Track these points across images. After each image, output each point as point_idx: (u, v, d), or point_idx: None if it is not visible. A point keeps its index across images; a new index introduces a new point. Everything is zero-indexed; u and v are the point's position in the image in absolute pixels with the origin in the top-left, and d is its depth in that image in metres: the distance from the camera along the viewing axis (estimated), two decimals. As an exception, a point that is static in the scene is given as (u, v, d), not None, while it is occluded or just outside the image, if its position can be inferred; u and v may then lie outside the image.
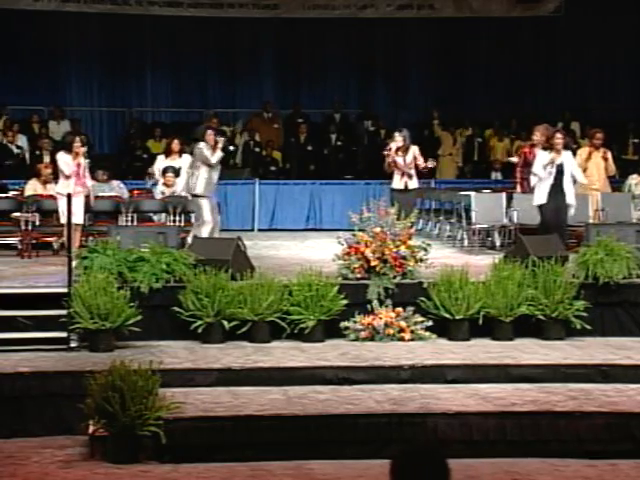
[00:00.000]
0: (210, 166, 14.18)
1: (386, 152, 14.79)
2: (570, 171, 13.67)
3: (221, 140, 14.41)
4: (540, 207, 13.68)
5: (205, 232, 13.99)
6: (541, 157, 13.69)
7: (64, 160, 14.18)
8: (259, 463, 8.49)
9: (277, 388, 9.68)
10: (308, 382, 9.83)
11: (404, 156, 14.65)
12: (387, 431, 8.79)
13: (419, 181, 15.29)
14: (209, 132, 14.53)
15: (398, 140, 14.79)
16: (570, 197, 13.66)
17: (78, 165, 14.11)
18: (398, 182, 14.67)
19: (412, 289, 11.60)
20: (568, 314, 11.33)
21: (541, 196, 13.62)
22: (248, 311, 11.10)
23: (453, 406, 9.11)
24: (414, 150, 14.82)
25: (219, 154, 14.27)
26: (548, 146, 13.72)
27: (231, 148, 14.98)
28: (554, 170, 13.50)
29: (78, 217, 13.98)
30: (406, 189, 14.59)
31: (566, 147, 13.74)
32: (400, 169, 14.62)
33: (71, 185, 14.00)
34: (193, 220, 14.83)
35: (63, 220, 13.39)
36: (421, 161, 14.82)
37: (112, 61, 23.12)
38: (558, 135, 13.83)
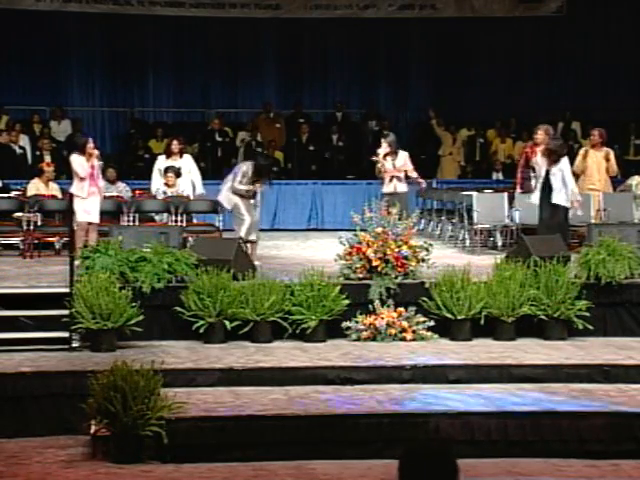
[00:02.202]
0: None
1: (374, 158, 15.10)
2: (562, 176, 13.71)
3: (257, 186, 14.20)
4: (564, 208, 13.79)
5: (243, 230, 13.85)
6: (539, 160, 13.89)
7: (79, 162, 14.02)
8: (261, 463, 8.49)
9: (279, 388, 9.68)
10: (310, 382, 9.83)
11: (393, 161, 14.92)
12: (389, 431, 8.79)
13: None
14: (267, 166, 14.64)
15: (384, 146, 15.04)
16: (557, 197, 13.62)
17: (92, 167, 14.12)
18: (387, 186, 14.88)
19: (414, 289, 11.60)
20: (570, 314, 11.33)
21: (536, 195, 13.78)
22: (250, 311, 11.10)
23: (455, 406, 9.11)
24: (404, 155, 15.05)
25: (247, 188, 14.00)
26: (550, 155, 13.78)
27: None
28: (543, 176, 13.69)
29: (94, 216, 14.02)
30: (395, 192, 14.73)
31: (556, 161, 13.75)
32: (389, 173, 14.85)
33: (85, 187, 13.97)
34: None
35: (79, 219, 13.45)
36: (412, 169, 15.02)
37: (114, 61, 23.15)
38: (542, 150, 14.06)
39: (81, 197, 13.68)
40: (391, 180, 14.87)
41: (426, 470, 3.93)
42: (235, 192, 13.96)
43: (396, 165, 14.95)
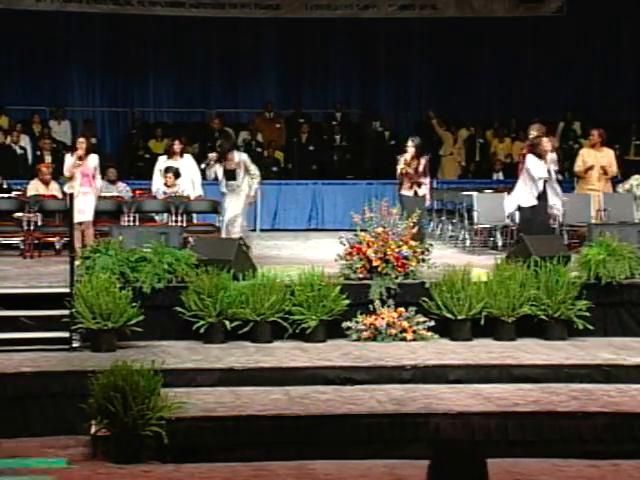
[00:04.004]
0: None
1: (402, 165, 14.43)
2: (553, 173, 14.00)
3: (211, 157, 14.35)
4: (523, 208, 13.93)
5: (225, 231, 13.96)
6: (536, 162, 13.90)
7: (66, 161, 14.43)
8: (261, 463, 8.49)
9: (279, 388, 9.68)
10: (310, 382, 9.83)
11: (416, 166, 14.40)
12: (389, 431, 8.79)
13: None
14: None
15: (411, 150, 14.48)
16: (552, 198, 13.97)
17: (82, 164, 14.22)
18: (408, 190, 14.46)
19: (414, 289, 11.60)
20: (570, 314, 11.33)
21: (530, 199, 13.89)
22: (250, 311, 11.10)
23: (455, 406, 9.12)
24: (424, 160, 14.57)
25: (209, 174, 14.39)
26: (537, 152, 13.95)
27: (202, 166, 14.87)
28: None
29: (87, 215, 14.12)
30: (415, 195, 14.43)
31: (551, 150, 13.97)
32: (410, 178, 14.42)
33: (76, 186, 14.12)
34: (219, 223, 15.00)
35: (76, 219, 13.54)
36: (426, 176, 14.61)
37: (114, 61, 23.13)
38: (545, 139, 14.09)
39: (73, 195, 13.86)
40: (412, 185, 14.44)
41: (457, 472, 3.91)
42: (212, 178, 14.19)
43: (418, 170, 14.49)
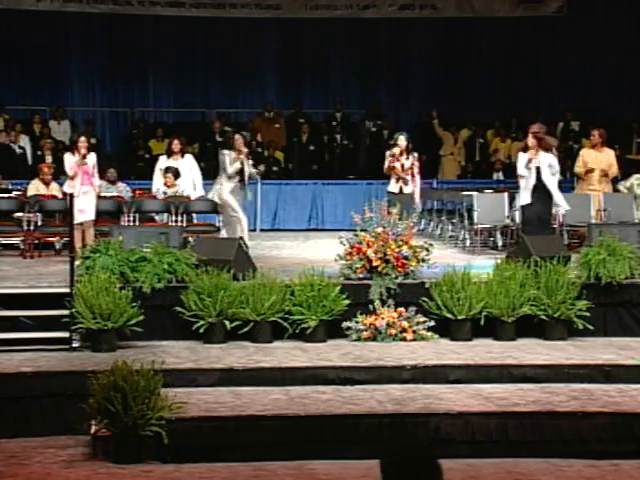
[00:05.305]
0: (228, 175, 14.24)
1: (390, 158, 14.48)
2: (549, 174, 13.90)
3: (245, 151, 14.38)
4: (523, 207, 13.94)
5: (242, 230, 13.96)
6: (521, 158, 13.96)
7: (68, 160, 14.41)
8: (261, 463, 8.48)
9: (279, 388, 9.68)
10: (310, 382, 9.83)
11: (403, 162, 14.44)
12: (389, 431, 8.78)
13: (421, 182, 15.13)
14: (237, 137, 14.57)
15: (402, 145, 14.50)
16: (558, 198, 13.89)
17: (84, 164, 14.26)
18: (394, 186, 14.52)
19: (414, 289, 11.60)
20: (570, 314, 11.33)
21: (525, 197, 13.87)
22: (250, 311, 11.10)
23: (455, 406, 9.11)
24: (413, 156, 14.65)
25: (237, 166, 14.25)
26: (526, 147, 14.06)
27: (261, 168, 14.95)
28: (534, 171, 13.76)
29: (88, 214, 14.14)
30: (401, 192, 14.42)
31: (546, 150, 13.95)
32: (397, 174, 14.46)
33: (77, 185, 14.14)
34: (220, 223, 14.93)
35: (77, 219, 13.55)
36: (416, 172, 14.58)
37: (114, 61, 23.14)
38: (529, 136, 14.11)
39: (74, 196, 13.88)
40: (397, 180, 14.47)
41: (410, 472, 3.90)
42: (231, 177, 14.16)
43: (404, 167, 14.51)
